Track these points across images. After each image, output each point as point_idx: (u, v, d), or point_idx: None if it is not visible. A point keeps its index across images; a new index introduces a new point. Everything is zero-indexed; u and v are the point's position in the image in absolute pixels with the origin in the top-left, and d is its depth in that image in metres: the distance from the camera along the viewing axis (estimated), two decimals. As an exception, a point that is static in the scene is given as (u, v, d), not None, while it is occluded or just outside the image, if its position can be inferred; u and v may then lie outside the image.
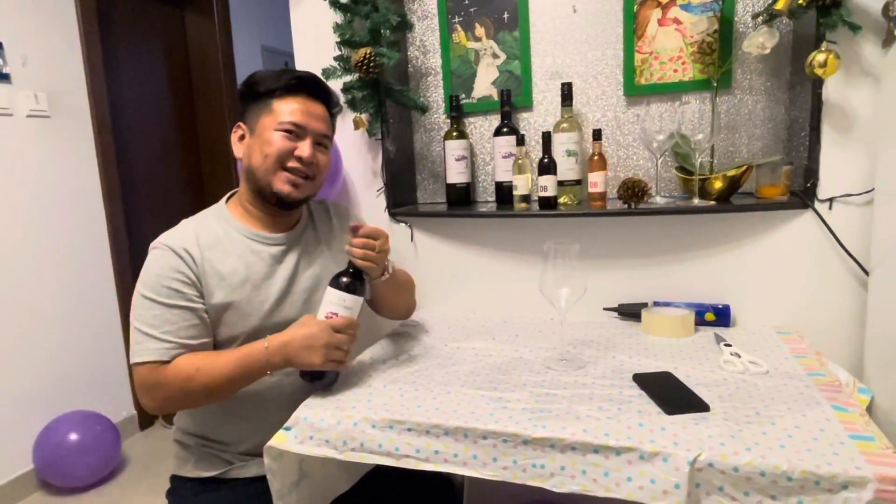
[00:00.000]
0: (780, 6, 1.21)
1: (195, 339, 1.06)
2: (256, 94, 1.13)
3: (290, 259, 1.18)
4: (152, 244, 1.09)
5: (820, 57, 1.16)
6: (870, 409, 1.12)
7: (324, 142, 1.16)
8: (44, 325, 2.24)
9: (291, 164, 1.11)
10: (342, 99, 1.59)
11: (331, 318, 1.05)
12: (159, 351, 1.03)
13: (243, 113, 1.16)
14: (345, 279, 1.07)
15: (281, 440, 0.99)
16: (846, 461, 0.76)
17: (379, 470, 1.04)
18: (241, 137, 1.16)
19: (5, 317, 2.11)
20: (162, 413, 1.36)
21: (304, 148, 1.11)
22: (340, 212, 1.35)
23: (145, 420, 2.68)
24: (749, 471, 0.78)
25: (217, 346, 1.11)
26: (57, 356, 2.29)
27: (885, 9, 1.16)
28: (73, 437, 2.12)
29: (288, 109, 1.11)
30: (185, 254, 1.06)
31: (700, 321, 1.36)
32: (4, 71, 2.09)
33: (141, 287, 1.06)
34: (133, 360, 1.04)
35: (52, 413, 2.20)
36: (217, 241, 1.12)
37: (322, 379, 1.09)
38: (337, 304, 1.06)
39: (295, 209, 1.20)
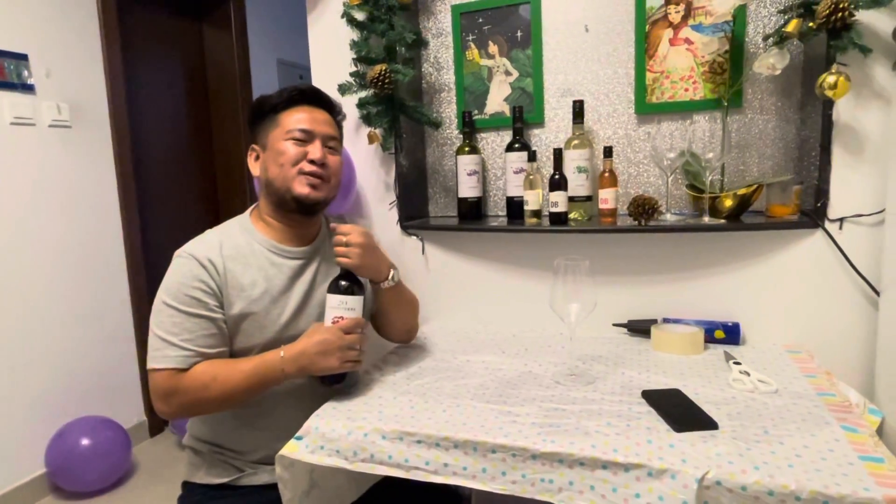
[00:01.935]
0: (790, 29, 1.23)
1: (213, 348, 1.08)
2: (263, 113, 1.19)
3: (309, 273, 1.21)
4: (177, 252, 1.11)
5: (830, 79, 1.17)
6: (881, 430, 1.12)
7: (332, 144, 1.20)
8: (58, 330, 2.28)
9: (306, 167, 1.15)
10: (357, 114, 1.63)
11: (337, 321, 1.09)
12: (178, 358, 1.05)
13: (255, 135, 1.21)
14: (342, 282, 1.11)
15: (293, 449, 1.01)
16: (855, 482, 0.77)
17: (387, 481, 1.05)
18: (257, 158, 1.21)
19: (21, 321, 2.14)
20: (176, 419, 1.38)
21: (315, 150, 1.15)
22: None
23: (155, 426, 2.70)
24: (757, 490, 0.78)
25: (232, 355, 1.13)
26: (70, 362, 2.32)
27: (896, 32, 1.17)
28: (85, 441, 2.14)
29: (294, 119, 1.16)
30: (209, 263, 1.09)
31: (709, 339, 1.36)
32: (29, 82, 2.14)
33: (163, 294, 1.08)
34: (150, 365, 1.06)
35: (65, 418, 2.23)
36: (239, 253, 1.14)
37: (343, 381, 1.12)
38: (339, 308, 1.09)
39: (315, 215, 1.22)
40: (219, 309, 1.09)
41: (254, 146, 1.22)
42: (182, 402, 1.06)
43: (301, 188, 1.14)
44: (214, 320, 1.08)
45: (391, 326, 1.37)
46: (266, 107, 1.18)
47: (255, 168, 1.21)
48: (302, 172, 1.14)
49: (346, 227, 1.16)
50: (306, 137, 1.16)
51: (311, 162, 1.14)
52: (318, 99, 1.21)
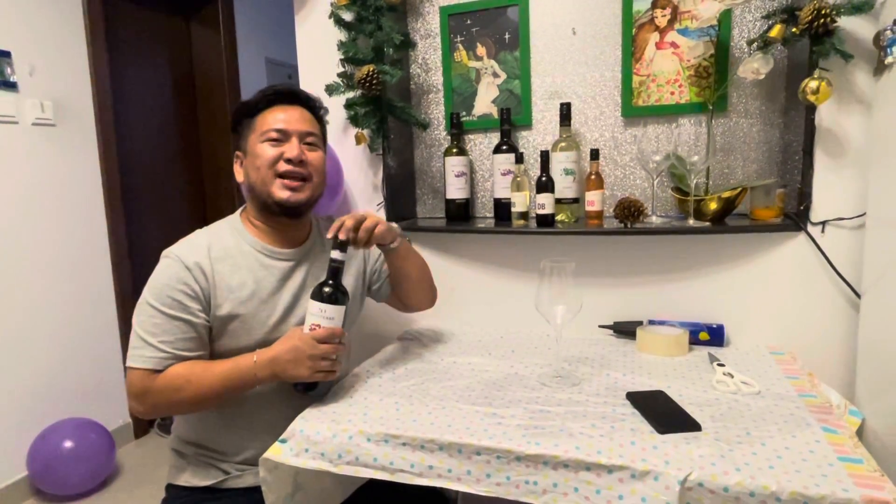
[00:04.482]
0: (774, 34, 1.25)
1: (191, 351, 1.08)
2: (243, 117, 1.18)
3: (299, 275, 1.20)
4: (164, 252, 1.11)
5: (812, 84, 1.19)
6: (861, 432, 1.13)
7: (311, 140, 1.18)
8: (41, 331, 2.25)
9: (283, 168, 1.13)
10: (345, 115, 1.62)
11: (314, 329, 1.06)
12: (153, 360, 1.05)
13: (237, 141, 1.20)
14: (326, 290, 1.07)
15: (276, 452, 1.00)
16: (834, 483, 0.78)
17: (373, 483, 1.05)
18: (241, 164, 1.20)
19: (3, 322, 2.11)
20: (150, 417, 1.37)
21: (291, 148, 1.13)
22: None
23: (140, 428, 2.68)
24: (738, 491, 0.79)
25: (220, 356, 1.12)
26: (53, 363, 2.29)
27: (877, 38, 1.19)
28: (68, 444, 2.11)
29: (269, 119, 1.15)
30: (196, 267, 1.08)
31: (694, 340, 1.37)
32: (12, 79, 2.11)
33: (147, 293, 1.07)
34: (128, 363, 1.06)
35: (47, 420, 2.20)
36: (228, 254, 1.13)
37: (315, 389, 1.10)
38: (318, 316, 1.06)
39: (302, 217, 1.21)
40: (201, 313, 1.08)
41: (237, 152, 1.21)
42: (155, 402, 1.06)
43: (280, 192, 1.13)
44: (195, 325, 1.07)
45: (416, 287, 1.35)
46: (245, 110, 1.17)
47: (239, 174, 1.20)
48: (279, 174, 1.13)
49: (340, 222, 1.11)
50: (282, 137, 1.14)
51: (288, 161, 1.13)
52: (294, 96, 1.19)
